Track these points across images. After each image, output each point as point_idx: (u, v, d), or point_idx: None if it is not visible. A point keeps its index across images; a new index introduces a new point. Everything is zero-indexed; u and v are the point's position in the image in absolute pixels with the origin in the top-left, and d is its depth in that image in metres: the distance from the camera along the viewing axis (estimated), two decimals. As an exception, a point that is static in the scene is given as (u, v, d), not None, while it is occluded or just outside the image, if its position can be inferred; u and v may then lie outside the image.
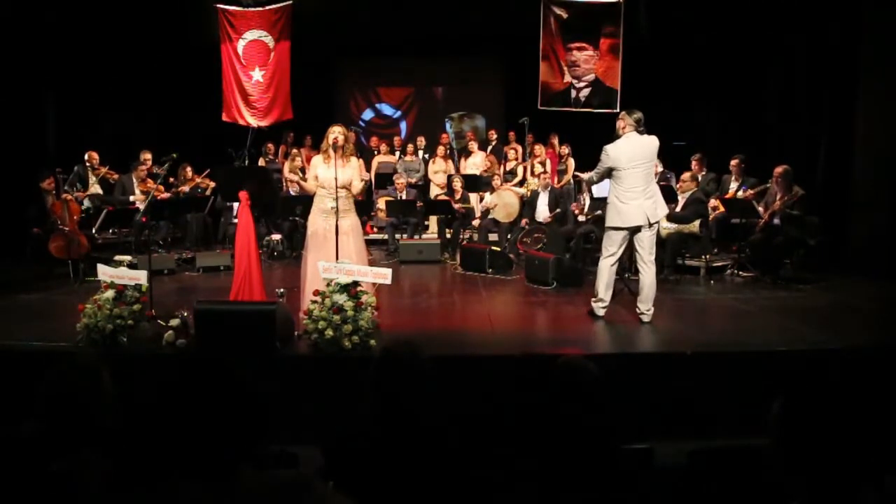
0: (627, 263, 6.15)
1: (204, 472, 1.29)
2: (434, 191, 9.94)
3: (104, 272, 4.63)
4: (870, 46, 7.23)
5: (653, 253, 5.09)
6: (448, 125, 12.09)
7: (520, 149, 9.91)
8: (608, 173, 5.05)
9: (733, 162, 7.95)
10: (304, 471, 1.40)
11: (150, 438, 1.38)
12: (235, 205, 7.33)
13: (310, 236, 5.15)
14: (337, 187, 4.96)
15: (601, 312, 5.20)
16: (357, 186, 5.24)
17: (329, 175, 5.00)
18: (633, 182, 4.94)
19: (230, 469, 1.30)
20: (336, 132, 5.01)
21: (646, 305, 5.06)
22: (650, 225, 4.99)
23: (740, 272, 7.11)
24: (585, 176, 5.80)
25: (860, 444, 1.40)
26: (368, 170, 10.39)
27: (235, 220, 6.44)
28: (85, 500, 1.63)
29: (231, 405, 1.34)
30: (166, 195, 8.47)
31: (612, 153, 4.98)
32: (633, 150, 4.96)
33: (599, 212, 7.42)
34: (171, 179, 8.70)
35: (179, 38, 9.44)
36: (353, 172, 5.13)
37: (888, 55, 7.01)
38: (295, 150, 9.89)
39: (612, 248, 5.10)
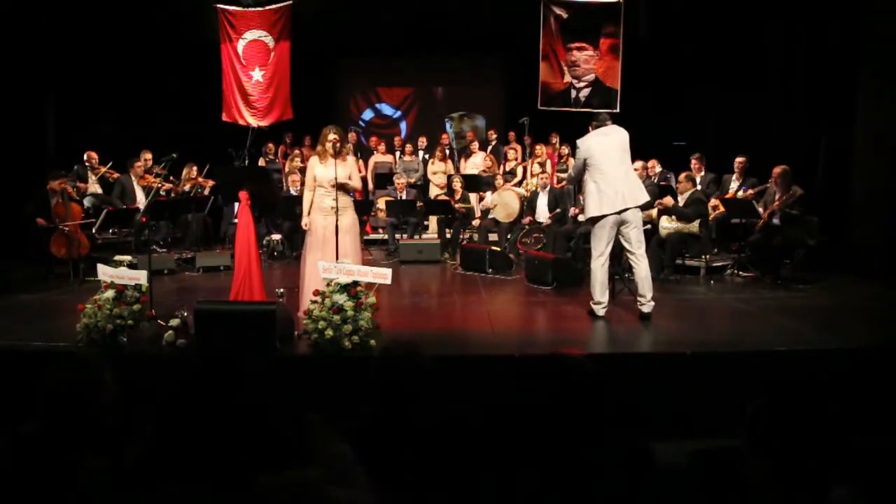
0: (627, 264, 6.16)
1: (218, 479, 1.25)
2: (433, 191, 9.93)
3: (104, 272, 4.63)
4: (870, 46, 7.23)
5: (641, 246, 5.17)
6: (448, 125, 12.09)
7: (519, 149, 9.92)
8: (584, 165, 5.20)
9: (738, 160, 7.95)
10: (313, 472, 1.37)
11: (162, 440, 1.35)
12: (235, 205, 7.33)
13: (309, 235, 5.18)
14: (337, 186, 4.99)
15: (601, 313, 5.23)
16: (354, 184, 5.28)
17: (327, 174, 5.04)
18: (610, 170, 5.06)
19: (246, 476, 1.27)
20: (332, 137, 5.06)
21: (645, 297, 5.11)
22: (626, 210, 5.03)
23: (740, 272, 7.11)
24: (564, 175, 6.08)
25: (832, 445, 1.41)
26: (366, 169, 10.40)
27: (235, 220, 6.44)
28: (94, 501, 1.62)
29: (246, 410, 1.30)
30: (168, 185, 8.49)
31: (584, 144, 5.21)
32: (604, 140, 5.15)
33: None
34: (172, 178, 8.71)
35: (179, 38, 9.44)
36: (351, 170, 5.21)
37: (888, 55, 7.01)
38: (297, 151, 9.89)
39: (600, 245, 5.14)
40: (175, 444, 1.29)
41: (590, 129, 5.33)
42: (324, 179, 5.10)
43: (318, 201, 5.15)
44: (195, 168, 8.78)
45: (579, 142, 5.27)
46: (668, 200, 7.19)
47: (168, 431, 1.30)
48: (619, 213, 5.04)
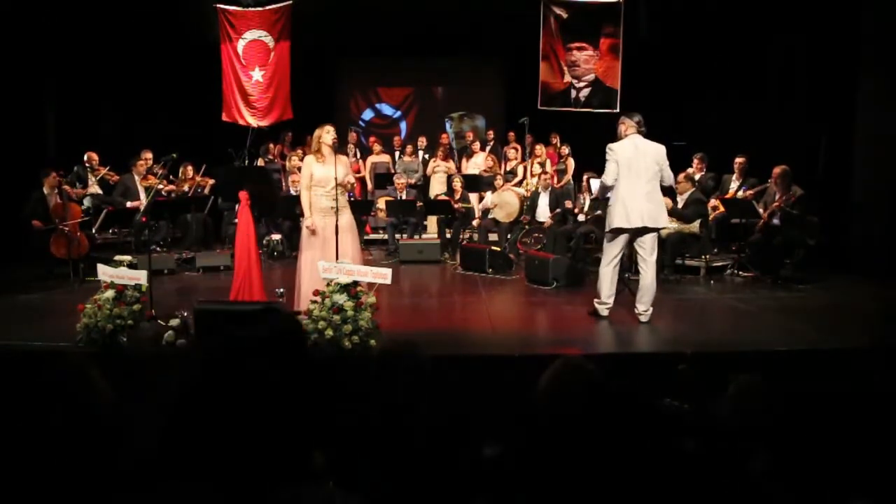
0: (628, 263, 6.15)
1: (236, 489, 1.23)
2: (436, 189, 9.92)
3: (104, 272, 4.63)
4: (870, 46, 7.23)
5: (654, 254, 5.09)
6: (448, 125, 12.09)
7: (519, 149, 9.92)
8: (616, 171, 5.00)
9: (738, 160, 7.95)
10: (330, 487, 1.35)
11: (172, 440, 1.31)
12: (236, 205, 7.34)
13: (306, 236, 5.15)
14: (337, 185, 4.99)
15: (605, 313, 5.20)
16: (349, 183, 5.29)
17: (326, 174, 5.03)
18: (635, 183, 4.93)
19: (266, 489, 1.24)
20: (332, 131, 5.06)
21: (644, 306, 5.06)
22: (649, 230, 4.99)
23: (740, 272, 7.11)
24: (596, 185, 5.84)
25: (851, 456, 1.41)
26: (365, 170, 10.40)
27: (236, 221, 6.44)
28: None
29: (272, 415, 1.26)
30: (171, 186, 8.50)
31: (618, 149, 5.00)
32: (637, 151, 4.98)
33: (599, 212, 7.43)
34: (172, 178, 8.71)
35: (179, 37, 9.44)
36: (346, 169, 5.21)
37: (888, 55, 7.01)
38: (299, 150, 9.88)
39: (612, 251, 5.10)
40: (185, 445, 1.26)
41: (622, 127, 5.12)
42: (322, 179, 5.06)
43: (317, 202, 5.09)
44: (191, 168, 8.77)
45: (613, 147, 5.04)
46: (668, 202, 7.18)
47: (180, 431, 1.27)
48: (640, 230, 4.98)
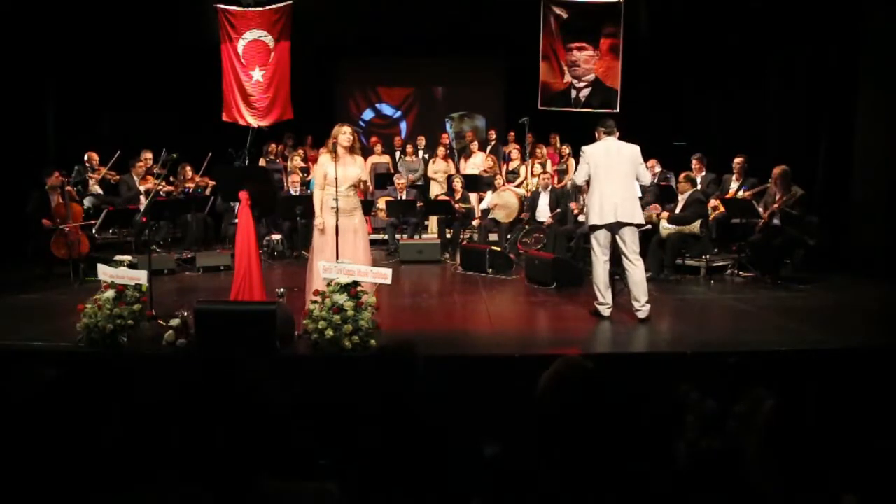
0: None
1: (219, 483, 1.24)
2: (435, 190, 9.92)
3: (104, 272, 4.63)
4: (869, 47, 7.23)
5: (636, 250, 5.19)
6: (448, 125, 12.08)
7: (520, 149, 9.92)
8: (586, 172, 5.24)
9: (737, 160, 7.95)
10: (328, 483, 1.35)
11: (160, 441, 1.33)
12: (236, 205, 7.34)
13: (317, 236, 5.14)
14: (337, 187, 4.97)
15: (607, 313, 5.24)
16: (362, 182, 5.27)
17: (341, 174, 4.98)
18: (610, 182, 5.12)
19: (246, 480, 1.25)
20: (349, 132, 5.04)
21: (640, 302, 5.11)
22: (623, 225, 5.09)
23: (740, 272, 7.11)
24: (571, 178, 6.17)
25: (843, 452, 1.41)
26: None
27: (236, 221, 6.44)
28: None
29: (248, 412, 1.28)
30: (170, 188, 8.50)
31: (589, 151, 5.25)
32: (609, 152, 5.18)
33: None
34: (172, 178, 8.71)
35: (180, 38, 9.43)
36: (361, 169, 5.18)
37: (888, 56, 7.01)
38: (301, 151, 9.88)
39: (598, 250, 5.22)
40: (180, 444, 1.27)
41: (596, 134, 5.35)
42: (335, 179, 4.96)
43: (328, 201, 5.05)
44: (189, 168, 8.77)
45: (585, 149, 5.28)
46: (656, 208, 7.22)
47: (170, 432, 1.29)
48: (614, 225, 5.11)
